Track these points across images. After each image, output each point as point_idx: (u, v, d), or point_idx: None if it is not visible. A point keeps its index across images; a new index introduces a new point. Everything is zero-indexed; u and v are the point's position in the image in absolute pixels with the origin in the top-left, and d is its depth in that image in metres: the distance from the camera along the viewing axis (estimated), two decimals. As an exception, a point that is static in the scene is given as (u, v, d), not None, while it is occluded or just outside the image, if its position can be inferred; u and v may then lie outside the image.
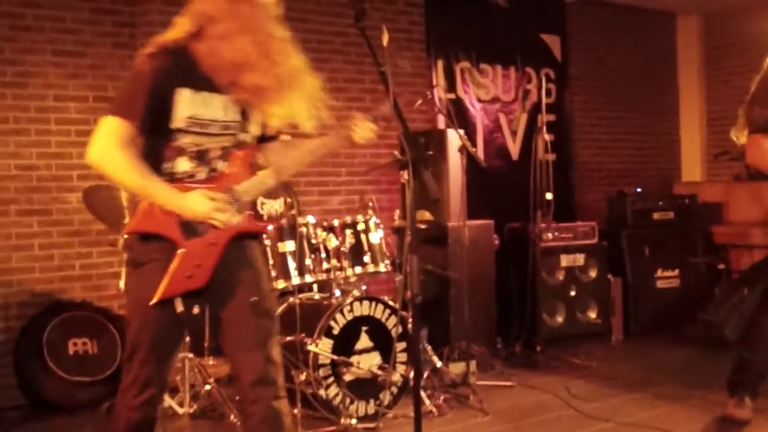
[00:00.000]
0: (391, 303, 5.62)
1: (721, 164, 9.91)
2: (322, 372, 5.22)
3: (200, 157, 3.40)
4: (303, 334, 5.28)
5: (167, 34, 3.36)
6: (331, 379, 5.29)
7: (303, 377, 5.22)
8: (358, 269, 5.72)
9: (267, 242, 5.40)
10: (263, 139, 3.59)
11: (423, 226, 6.83)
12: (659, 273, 8.37)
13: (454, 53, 8.31)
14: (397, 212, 6.82)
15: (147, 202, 3.32)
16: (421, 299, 3.53)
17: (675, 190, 9.91)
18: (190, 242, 3.31)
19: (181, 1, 6.73)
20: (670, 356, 7.41)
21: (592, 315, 7.90)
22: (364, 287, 5.82)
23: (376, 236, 5.82)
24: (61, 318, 6.13)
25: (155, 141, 3.34)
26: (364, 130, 3.53)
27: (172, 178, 3.36)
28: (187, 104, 3.30)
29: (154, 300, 3.28)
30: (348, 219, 5.80)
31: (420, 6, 8.13)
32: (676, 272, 8.45)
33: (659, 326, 8.19)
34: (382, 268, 5.82)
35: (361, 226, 5.77)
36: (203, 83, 3.33)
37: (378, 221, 5.86)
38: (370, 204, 5.88)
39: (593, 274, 7.91)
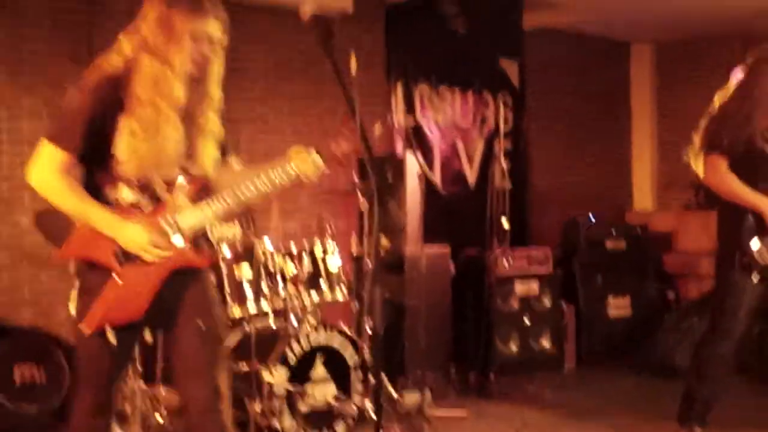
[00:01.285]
0: (348, 332, 5.53)
1: (673, 192, 10.01)
2: (277, 402, 5.11)
3: (142, 186, 3.33)
4: (258, 363, 5.17)
5: (108, 59, 3.31)
6: (286, 409, 5.18)
7: (257, 407, 5.11)
8: (315, 297, 5.62)
9: (223, 268, 5.30)
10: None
11: (381, 253, 6.76)
12: (611, 301, 8.37)
13: (413, 76, 8.28)
14: (354, 238, 6.73)
15: (83, 227, 3.27)
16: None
17: (627, 219, 10.03)
18: (126, 270, 3.26)
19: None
20: (622, 385, 7.40)
21: (546, 343, 7.86)
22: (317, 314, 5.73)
23: (334, 263, 5.73)
24: (8, 343, 5.91)
25: (96, 168, 3.30)
26: (309, 165, 3.42)
27: (116, 206, 3.29)
28: (129, 132, 3.24)
29: (86, 330, 3.24)
30: (306, 245, 5.70)
31: (380, 30, 8.11)
32: (628, 300, 8.45)
33: (611, 354, 8.18)
34: (339, 296, 5.73)
35: (318, 253, 5.68)
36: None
37: (336, 248, 5.78)
38: (328, 229, 5.79)
39: (547, 302, 7.86)
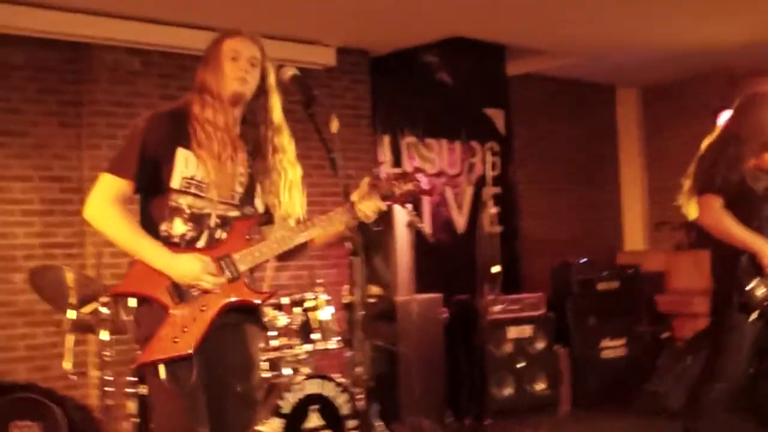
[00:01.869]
0: (341, 380, 5.55)
1: (663, 234, 10.02)
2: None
3: (196, 220, 3.33)
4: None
5: (170, 104, 3.45)
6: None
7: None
8: (308, 346, 5.65)
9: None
10: (268, 219, 3.55)
11: (372, 301, 6.80)
12: (605, 343, 8.35)
13: (400, 128, 8.36)
14: (346, 288, 6.77)
15: (138, 263, 3.26)
16: (369, 378, 3.49)
17: (618, 260, 9.99)
18: (179, 306, 3.24)
19: (126, 79, 6.76)
20: (618, 427, 7.41)
21: (541, 386, 7.85)
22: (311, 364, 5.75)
23: (326, 313, 5.76)
24: (4, 400, 5.91)
25: (154, 201, 3.33)
26: (369, 208, 3.41)
27: (169, 241, 3.31)
28: (186, 165, 3.29)
29: (137, 363, 3.26)
30: (297, 296, 5.74)
31: (366, 82, 8.17)
32: (622, 342, 8.42)
33: (606, 397, 8.12)
34: (331, 345, 5.75)
35: (310, 304, 5.71)
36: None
37: (327, 298, 5.81)
38: (319, 281, 5.84)
39: (541, 345, 7.87)
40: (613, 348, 8.39)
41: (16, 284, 6.31)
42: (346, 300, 6.44)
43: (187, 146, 3.30)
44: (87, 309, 5.31)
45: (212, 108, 3.35)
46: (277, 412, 5.24)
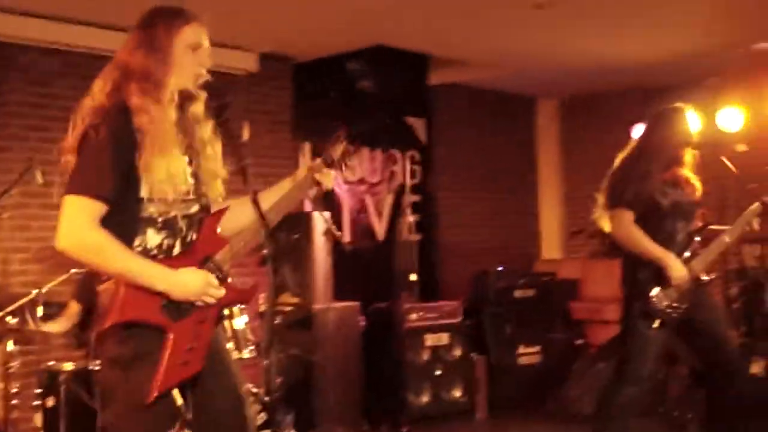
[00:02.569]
0: (254, 390, 5.41)
1: (579, 242, 10.09)
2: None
3: (168, 226, 3.07)
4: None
5: (93, 98, 3.07)
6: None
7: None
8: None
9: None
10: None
11: (288, 309, 6.67)
12: (521, 350, 8.36)
13: (320, 135, 8.24)
14: (262, 296, 6.64)
15: (123, 288, 2.94)
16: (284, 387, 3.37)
17: (535, 268, 10.09)
18: (178, 325, 2.99)
19: (42, 80, 6.54)
20: (532, 433, 7.38)
21: (457, 393, 7.82)
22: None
23: (241, 322, 5.62)
24: None
25: (124, 214, 3.00)
26: (328, 174, 3.40)
27: (146, 254, 3.02)
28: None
29: (151, 397, 2.91)
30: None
31: (288, 89, 8.10)
32: (537, 349, 8.44)
33: (522, 403, 8.14)
34: (246, 354, 5.61)
35: (224, 312, 5.55)
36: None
37: (242, 306, 5.67)
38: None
39: (458, 352, 7.85)
40: (528, 355, 8.42)
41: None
42: (261, 308, 6.32)
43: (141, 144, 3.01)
44: (-7, 318, 5.13)
45: (156, 100, 3.05)
46: (189, 424, 5.06)
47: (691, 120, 5.20)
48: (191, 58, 3.13)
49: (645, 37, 7.79)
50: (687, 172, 5.10)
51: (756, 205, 5.14)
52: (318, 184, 3.38)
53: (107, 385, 3.15)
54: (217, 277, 3.09)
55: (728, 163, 5.41)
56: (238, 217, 3.24)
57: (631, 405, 5.02)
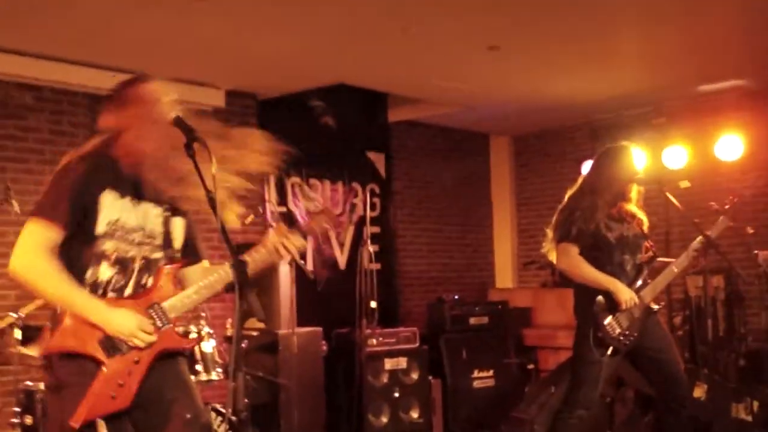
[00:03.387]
0: (221, 409, 5.50)
1: (530, 272, 10.21)
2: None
3: (121, 263, 3.22)
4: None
5: (85, 147, 3.25)
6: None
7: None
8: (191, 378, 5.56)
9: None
10: (188, 260, 3.46)
11: (254, 334, 6.76)
12: (476, 374, 8.45)
13: (285, 169, 8.32)
14: (229, 321, 6.73)
15: (68, 319, 3.10)
16: (249, 409, 3.44)
17: (489, 296, 10.12)
18: (113, 360, 3.12)
19: (16, 114, 6.53)
20: (486, 454, 7.47)
21: (415, 415, 7.87)
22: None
23: (209, 345, 5.71)
24: None
25: (79, 246, 3.16)
26: (295, 241, 3.46)
27: (96, 288, 3.17)
28: (111, 208, 3.18)
29: (75, 424, 3.04)
30: (181, 329, 5.66)
31: (254, 124, 8.15)
32: (491, 373, 8.53)
33: (477, 424, 8.23)
34: (214, 376, 5.70)
35: (193, 336, 5.63)
36: (128, 190, 3.23)
37: (210, 331, 5.76)
38: (203, 314, 5.79)
39: (415, 376, 7.90)
40: (483, 378, 8.49)
41: None
42: (228, 333, 6.41)
43: (114, 188, 3.20)
44: (-29, 339, 5.18)
45: (131, 145, 3.24)
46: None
47: (637, 157, 5.32)
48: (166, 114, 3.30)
49: (592, 76, 7.90)
50: (632, 206, 5.21)
51: (699, 238, 5.26)
52: (280, 255, 3.47)
53: (47, 407, 3.32)
54: (159, 324, 3.23)
55: (673, 199, 5.55)
56: (205, 276, 3.37)
57: (579, 426, 5.12)
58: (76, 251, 3.18)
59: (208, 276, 3.36)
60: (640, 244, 5.23)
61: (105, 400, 3.11)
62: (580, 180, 5.38)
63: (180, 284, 3.37)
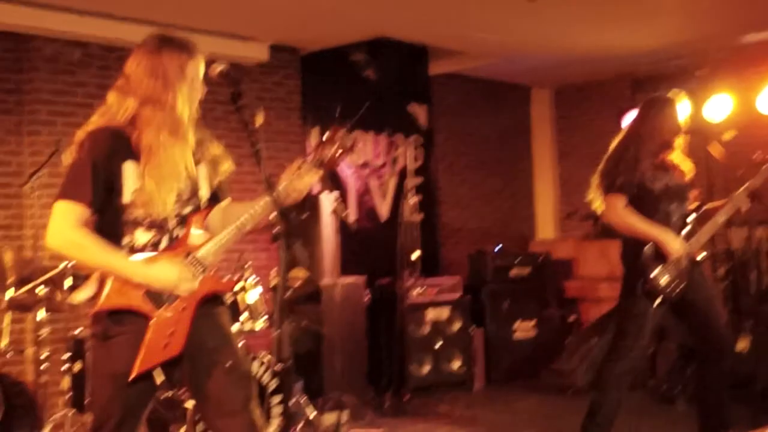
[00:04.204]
0: (266, 358, 5.52)
1: (572, 223, 10.14)
2: (199, 427, 5.07)
3: (156, 226, 3.24)
4: (180, 390, 5.14)
5: (107, 115, 3.24)
6: (209, 432, 5.15)
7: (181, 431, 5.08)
8: (236, 326, 5.60)
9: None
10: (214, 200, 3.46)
11: (298, 283, 6.77)
12: (517, 325, 8.46)
13: (328, 121, 8.30)
14: (274, 270, 6.75)
15: (112, 279, 3.15)
16: (294, 356, 3.45)
17: (531, 248, 10.12)
18: (161, 311, 3.17)
19: (66, 70, 6.63)
20: (528, 403, 7.48)
21: (456, 365, 7.93)
22: (242, 343, 5.71)
23: (253, 295, 5.72)
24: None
25: (110, 217, 3.20)
26: (307, 178, 3.42)
27: (134, 252, 3.21)
28: (134, 177, 3.19)
29: (133, 375, 3.11)
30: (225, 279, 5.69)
31: (296, 78, 8.15)
32: (533, 324, 8.54)
33: (518, 374, 8.27)
34: (258, 325, 5.72)
35: (238, 286, 5.66)
36: None
37: (255, 280, 5.78)
38: (247, 264, 5.80)
39: (457, 326, 7.95)
40: (524, 329, 8.51)
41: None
42: (272, 283, 6.43)
43: (134, 159, 3.20)
44: (25, 288, 5.24)
45: (157, 119, 3.23)
46: (193, 390, 5.17)
47: (682, 108, 5.19)
48: (192, 88, 3.31)
49: (634, 27, 7.78)
50: (677, 157, 5.12)
51: (743, 188, 5.16)
52: (297, 190, 3.43)
53: (93, 358, 3.36)
54: (199, 270, 3.25)
55: (714, 153, 5.45)
56: (236, 216, 3.37)
57: (625, 378, 5.07)
58: (110, 221, 3.22)
59: (236, 216, 3.36)
60: (685, 193, 5.14)
61: (158, 349, 3.17)
62: (624, 130, 5.31)
63: (209, 230, 3.37)
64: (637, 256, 4.94)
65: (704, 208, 5.19)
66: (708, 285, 5.23)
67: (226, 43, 7.19)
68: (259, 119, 3.25)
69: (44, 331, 5.30)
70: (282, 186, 3.39)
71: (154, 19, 6.56)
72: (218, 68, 3.32)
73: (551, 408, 7.22)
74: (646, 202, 4.97)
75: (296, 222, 3.30)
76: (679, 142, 5.17)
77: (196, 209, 3.36)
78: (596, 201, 5.19)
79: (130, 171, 3.19)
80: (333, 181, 8.14)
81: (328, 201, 6.73)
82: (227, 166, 3.50)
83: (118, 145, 3.19)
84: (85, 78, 6.74)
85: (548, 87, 10.74)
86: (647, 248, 4.91)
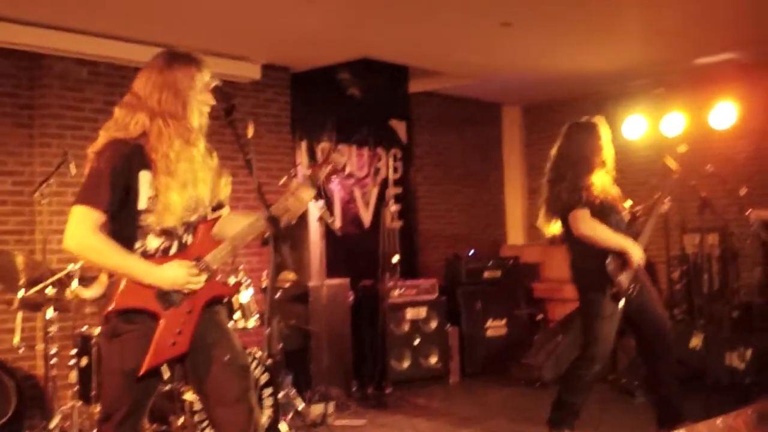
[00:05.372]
0: (257, 354, 5.52)
1: (539, 230, 10.15)
2: (197, 417, 5.08)
3: (166, 233, 3.25)
4: (180, 383, 5.15)
5: (109, 132, 3.23)
6: (206, 423, 5.13)
7: (180, 422, 5.08)
8: (229, 324, 5.60)
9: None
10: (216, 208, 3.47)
11: (287, 285, 6.78)
12: (489, 323, 8.49)
13: (315, 135, 8.36)
14: (265, 273, 6.76)
15: (123, 280, 3.16)
16: (282, 353, 3.47)
17: (502, 252, 10.13)
18: (169, 312, 3.19)
19: (75, 86, 6.63)
20: (499, 395, 7.51)
21: (434, 360, 7.96)
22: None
23: (246, 296, 5.73)
24: (-41, 370, 5.79)
25: (124, 223, 3.20)
26: (307, 194, 3.45)
27: (145, 256, 3.22)
28: (149, 186, 3.19)
29: (143, 371, 3.13)
30: (221, 280, 5.70)
31: (287, 95, 8.15)
32: (503, 322, 8.57)
33: (490, 369, 8.28)
34: (251, 323, 5.74)
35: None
36: None
37: (248, 281, 5.79)
38: (240, 267, 5.82)
39: (434, 324, 7.97)
40: (496, 327, 8.54)
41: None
42: (264, 284, 6.45)
43: (148, 169, 3.19)
44: (35, 289, 5.24)
45: (170, 130, 3.23)
46: (194, 384, 5.17)
47: (604, 131, 5.19)
48: (202, 98, 3.32)
49: (599, 51, 7.84)
50: (603, 175, 5.13)
51: (661, 196, 5.28)
52: (300, 202, 3.46)
53: (102, 354, 3.39)
54: (204, 273, 3.26)
55: (671, 162, 5.48)
56: (234, 226, 3.38)
57: (595, 378, 5.10)
58: (124, 226, 3.22)
59: (236, 225, 3.38)
60: (619, 206, 5.16)
61: (166, 347, 3.18)
62: (553, 156, 5.30)
63: (215, 237, 3.38)
64: (601, 264, 4.91)
65: (637, 216, 5.25)
66: (648, 286, 5.21)
67: (221, 63, 7.20)
68: (250, 131, 3.27)
69: (53, 329, 5.30)
70: (281, 205, 3.40)
71: (156, 40, 6.56)
72: (212, 84, 3.34)
73: (521, 399, 7.26)
74: (599, 215, 4.97)
75: (285, 228, 3.30)
76: (609, 159, 5.18)
77: (203, 217, 3.37)
78: (545, 226, 5.25)
79: (145, 179, 3.20)
80: (319, 190, 8.14)
81: (315, 209, 6.74)
82: (227, 179, 3.51)
83: (135, 155, 3.19)
84: (92, 94, 6.74)
85: (518, 105, 10.75)
86: (610, 255, 4.93)
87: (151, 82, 3.28)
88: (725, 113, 7.77)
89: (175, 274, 3.19)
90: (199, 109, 3.32)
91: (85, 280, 5.22)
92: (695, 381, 6.53)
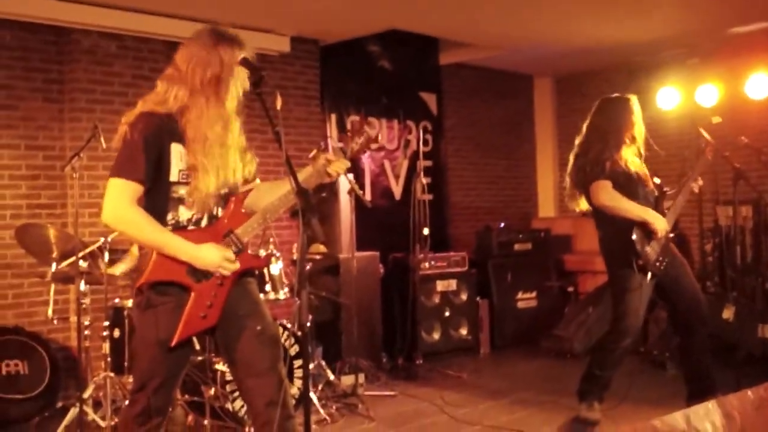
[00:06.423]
0: (288, 325, 5.55)
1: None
2: (228, 387, 5.12)
3: (198, 204, 3.26)
4: (211, 354, 5.19)
5: (160, 101, 3.23)
6: (237, 393, 5.17)
7: (212, 392, 5.12)
8: (260, 296, 5.62)
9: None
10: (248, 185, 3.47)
11: (318, 257, 6.79)
12: (520, 295, 8.50)
13: (345, 108, 8.33)
14: (296, 245, 6.77)
15: (157, 255, 3.17)
16: (313, 325, 3.45)
17: (532, 225, 10.10)
18: (200, 285, 3.22)
19: (104, 60, 6.64)
20: (529, 367, 7.52)
21: (464, 332, 7.97)
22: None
23: (276, 268, 5.75)
24: (-5, 342, 5.87)
25: (157, 194, 3.21)
26: (338, 164, 3.45)
27: (178, 227, 3.23)
28: (180, 158, 3.20)
29: (174, 342, 3.16)
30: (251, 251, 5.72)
31: (316, 67, 8.12)
32: (534, 294, 8.59)
33: (520, 341, 8.30)
34: (281, 295, 5.76)
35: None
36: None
37: (278, 254, 5.81)
38: (271, 239, 5.83)
39: (464, 297, 7.98)
40: (526, 299, 8.55)
41: (5, 240, 6.23)
42: (294, 256, 6.46)
43: (180, 142, 3.20)
44: (67, 262, 5.28)
45: (210, 111, 3.23)
46: (226, 356, 5.20)
47: (635, 107, 5.15)
48: (242, 77, 3.31)
49: (630, 20, 7.71)
50: (634, 149, 5.11)
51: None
52: (329, 175, 3.47)
53: (137, 325, 3.40)
54: (235, 249, 3.28)
55: (705, 134, 5.40)
56: (265, 197, 3.40)
57: (626, 352, 5.08)
58: (157, 198, 3.22)
59: (268, 196, 3.39)
60: (649, 179, 5.12)
61: (197, 319, 3.22)
62: (585, 128, 5.25)
63: (246, 209, 3.39)
64: (627, 236, 4.88)
65: (665, 190, 5.17)
66: (681, 258, 5.18)
67: (251, 36, 7.15)
68: (279, 103, 3.25)
69: (86, 301, 5.34)
70: (312, 170, 3.41)
71: (184, 14, 6.57)
72: (240, 56, 3.32)
73: (551, 371, 7.26)
74: (625, 187, 4.94)
75: (315, 200, 3.28)
76: (639, 134, 5.14)
77: (233, 190, 3.37)
78: (572, 199, 5.20)
79: (176, 151, 3.21)
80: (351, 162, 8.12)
81: (345, 182, 6.72)
82: (252, 155, 3.48)
83: (168, 127, 3.20)
84: (120, 68, 6.74)
85: (550, 76, 10.66)
86: (636, 227, 4.89)
87: (195, 59, 3.26)
88: (761, 84, 7.65)
89: (211, 256, 3.21)
90: (237, 90, 3.32)
91: (117, 253, 5.25)
92: (727, 353, 6.48)
